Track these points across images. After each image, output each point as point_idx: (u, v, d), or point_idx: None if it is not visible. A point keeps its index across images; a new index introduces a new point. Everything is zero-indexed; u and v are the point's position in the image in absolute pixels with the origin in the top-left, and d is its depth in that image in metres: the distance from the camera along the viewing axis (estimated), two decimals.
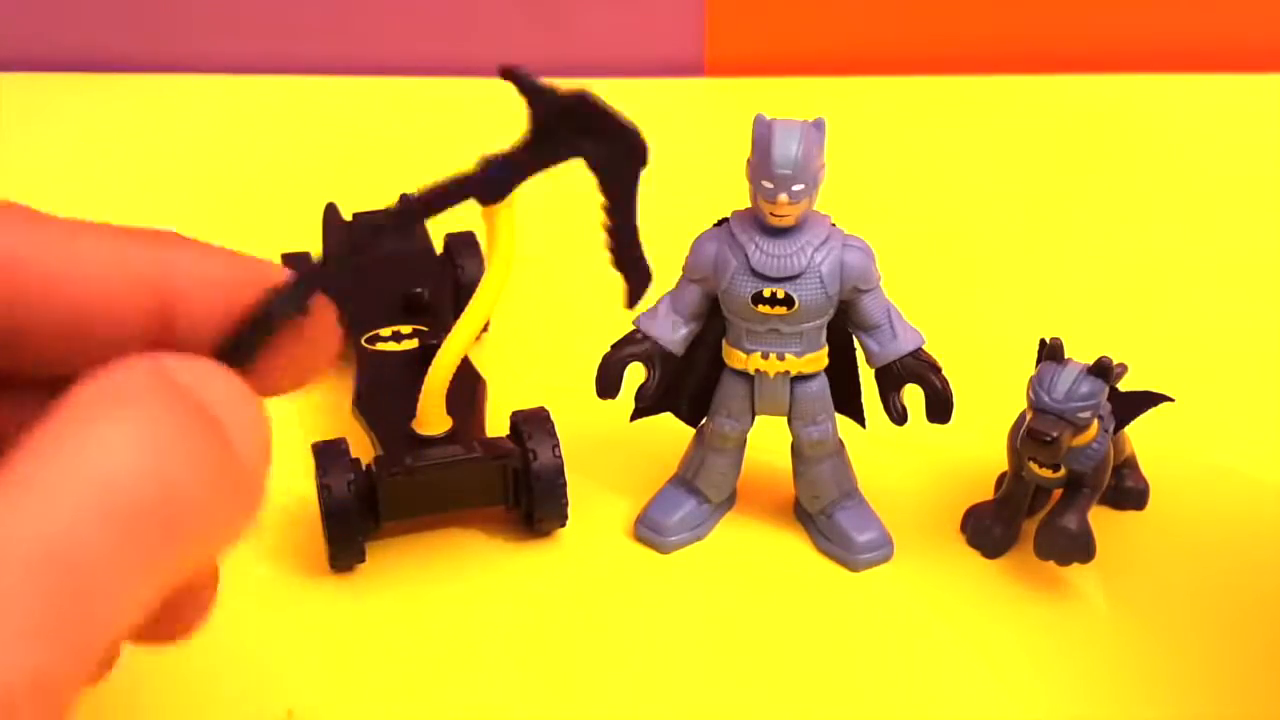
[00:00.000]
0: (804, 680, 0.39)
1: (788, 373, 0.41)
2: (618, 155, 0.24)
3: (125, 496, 0.19)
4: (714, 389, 0.42)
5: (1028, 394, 0.40)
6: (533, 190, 0.66)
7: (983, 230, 0.62)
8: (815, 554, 0.44)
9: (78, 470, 0.18)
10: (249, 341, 0.23)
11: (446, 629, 0.41)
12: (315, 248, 0.53)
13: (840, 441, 0.43)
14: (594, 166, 0.24)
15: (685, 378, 0.43)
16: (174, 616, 0.24)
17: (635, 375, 0.42)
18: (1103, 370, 0.39)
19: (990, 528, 0.43)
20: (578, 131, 0.24)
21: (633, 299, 0.26)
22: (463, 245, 0.54)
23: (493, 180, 0.24)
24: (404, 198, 0.25)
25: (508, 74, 0.24)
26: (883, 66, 0.75)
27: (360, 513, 0.41)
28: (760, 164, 0.38)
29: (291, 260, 0.52)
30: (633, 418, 0.43)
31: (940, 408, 0.41)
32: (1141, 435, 0.44)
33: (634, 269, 0.25)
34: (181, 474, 0.19)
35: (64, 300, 0.22)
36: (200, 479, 0.20)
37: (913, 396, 0.41)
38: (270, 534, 0.43)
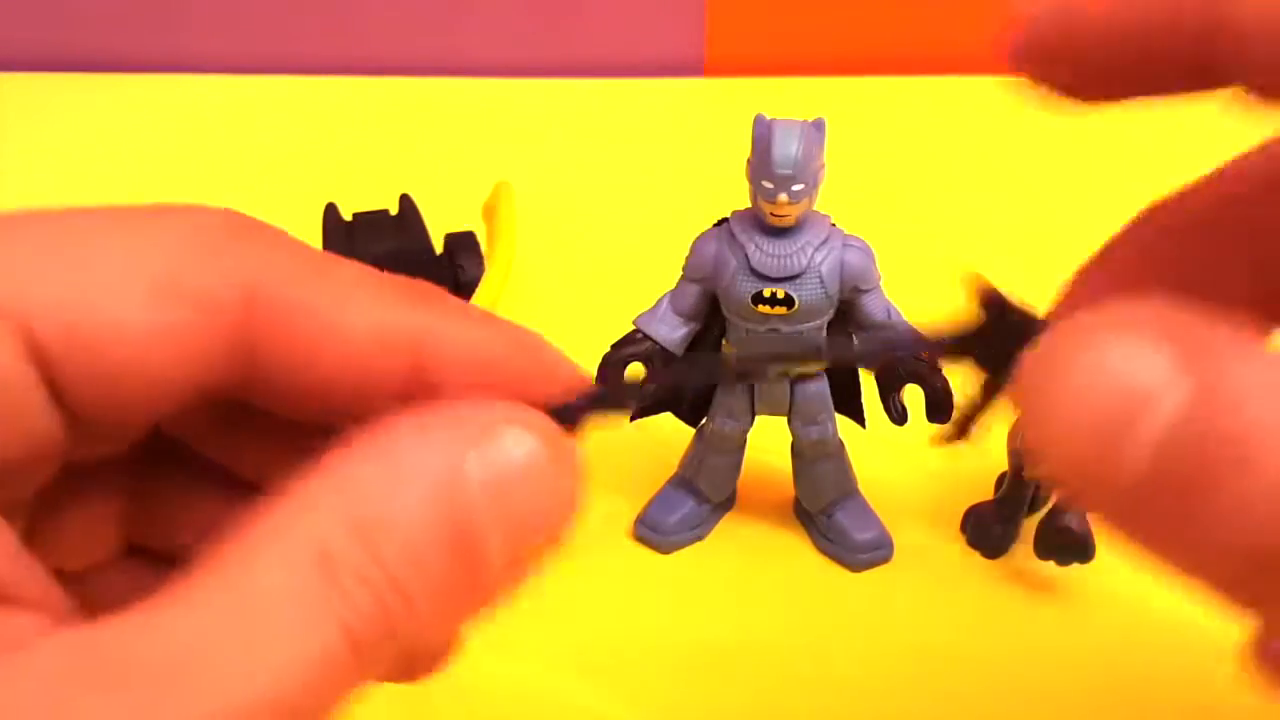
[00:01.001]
0: (804, 680, 0.39)
1: (788, 373, 0.41)
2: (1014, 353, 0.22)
3: (349, 640, 0.18)
4: (714, 389, 0.42)
5: None
6: (533, 190, 0.66)
7: (983, 230, 0.62)
8: (815, 554, 0.44)
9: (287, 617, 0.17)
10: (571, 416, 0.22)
11: None
12: (315, 248, 0.53)
13: (840, 441, 0.43)
14: (990, 371, 0.24)
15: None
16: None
17: (635, 375, 0.42)
18: None
19: (990, 528, 0.43)
20: (1003, 345, 0.23)
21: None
22: (463, 245, 0.54)
23: (931, 349, 0.23)
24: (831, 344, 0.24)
25: (983, 293, 0.23)
26: (883, 66, 0.75)
27: None
28: (760, 164, 0.38)
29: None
30: (633, 417, 0.43)
31: (940, 408, 0.41)
32: None
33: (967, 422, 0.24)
34: (414, 614, 0.18)
35: (327, 356, 0.20)
36: (431, 606, 0.19)
37: (913, 396, 0.41)
38: None
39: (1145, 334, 0.18)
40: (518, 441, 0.19)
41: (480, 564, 0.19)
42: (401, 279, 0.22)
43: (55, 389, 0.19)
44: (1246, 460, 0.17)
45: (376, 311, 0.21)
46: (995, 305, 0.23)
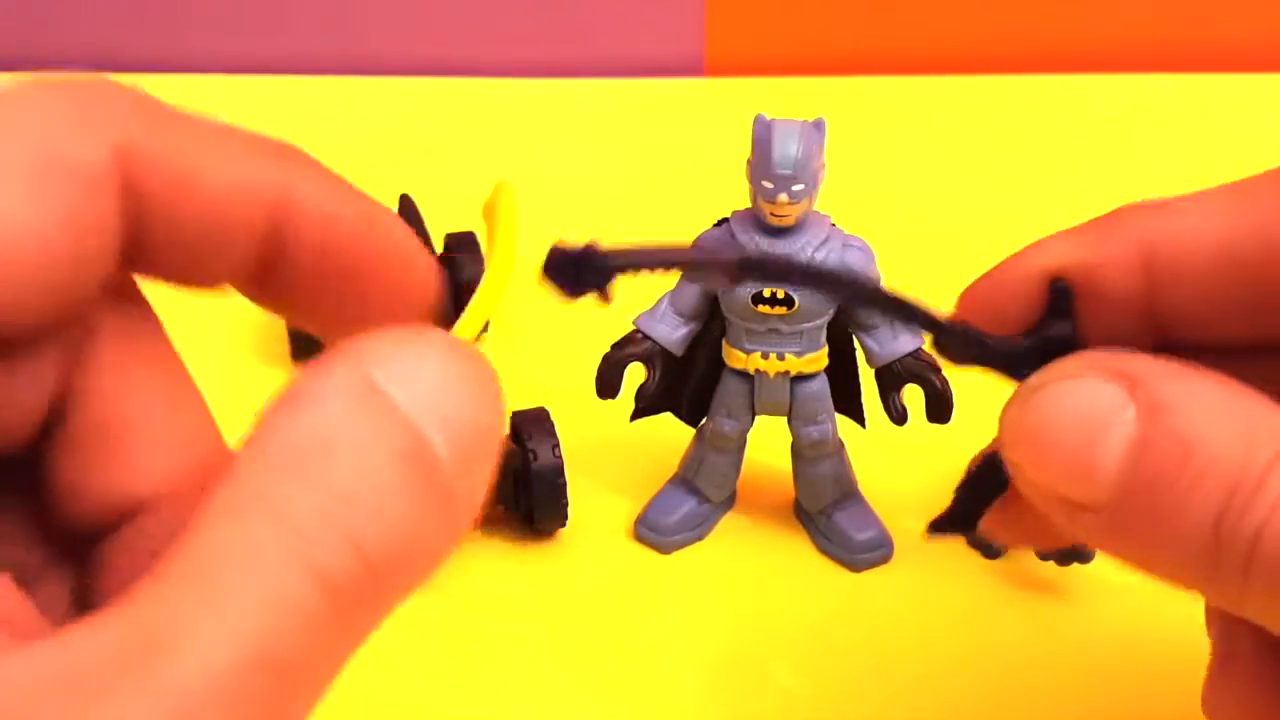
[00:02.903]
0: (804, 680, 0.39)
1: (788, 373, 0.41)
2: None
3: (323, 579, 0.17)
4: (714, 389, 0.42)
5: None
6: (532, 190, 0.66)
7: (983, 230, 0.62)
8: (815, 554, 0.44)
9: (271, 548, 0.17)
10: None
11: (446, 629, 0.41)
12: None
13: (840, 441, 0.43)
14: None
15: (685, 378, 0.43)
16: None
17: (635, 375, 0.42)
18: None
19: None
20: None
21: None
22: (463, 245, 0.54)
23: (958, 343, 0.24)
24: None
25: (1056, 287, 0.25)
26: (883, 66, 0.75)
27: None
28: (760, 164, 0.38)
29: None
30: (633, 418, 0.43)
31: (940, 408, 0.41)
32: None
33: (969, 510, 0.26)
34: (386, 539, 0.18)
35: (185, 209, 0.20)
36: (407, 532, 0.18)
37: (913, 396, 0.41)
38: None
39: (1098, 373, 0.22)
40: (418, 349, 0.19)
41: (434, 472, 0.18)
42: (270, 138, 0.22)
43: None
44: (1189, 455, 0.21)
45: (238, 161, 0.21)
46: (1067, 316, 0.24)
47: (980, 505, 0.25)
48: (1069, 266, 0.25)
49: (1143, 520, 0.22)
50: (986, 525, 0.27)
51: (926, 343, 0.25)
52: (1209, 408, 0.21)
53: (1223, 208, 0.24)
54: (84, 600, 0.21)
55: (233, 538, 0.17)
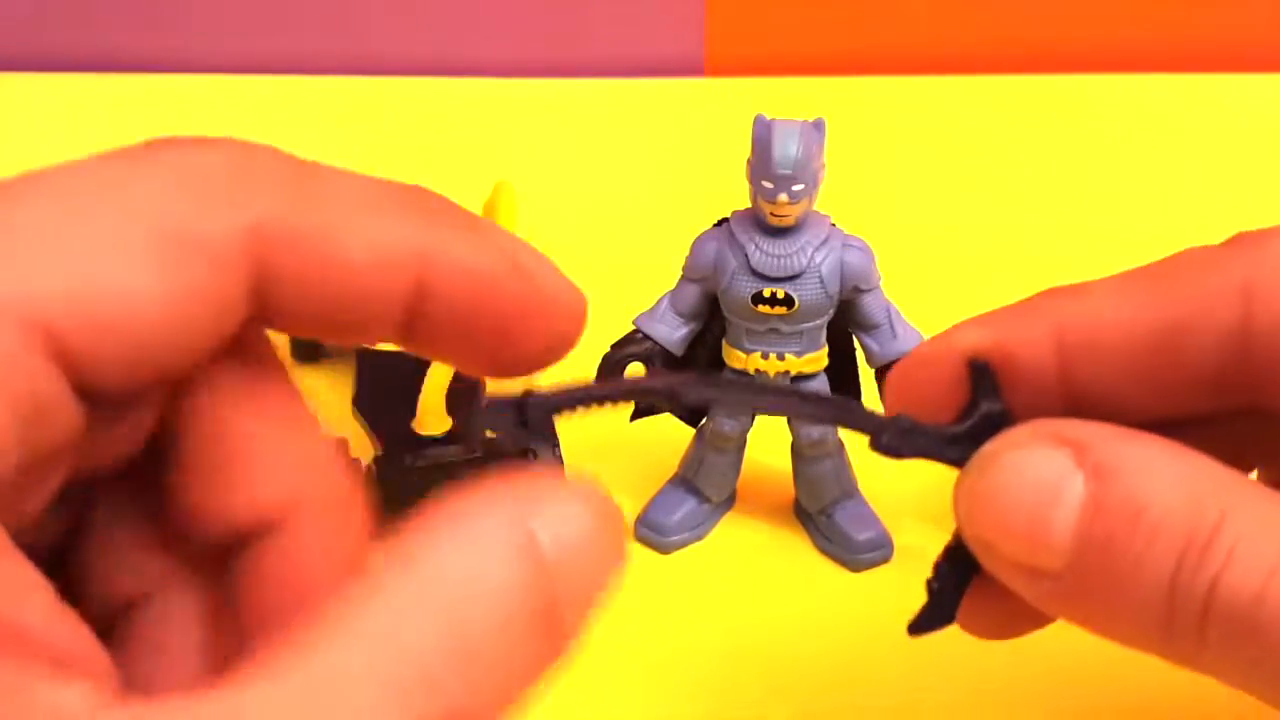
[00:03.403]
0: (804, 680, 0.39)
1: (788, 372, 0.41)
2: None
3: (417, 678, 0.17)
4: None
5: None
6: (532, 190, 0.66)
7: (983, 230, 0.62)
8: (815, 554, 0.44)
9: (382, 645, 0.17)
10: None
11: None
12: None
13: (840, 441, 0.43)
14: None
15: None
16: None
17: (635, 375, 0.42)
18: None
19: None
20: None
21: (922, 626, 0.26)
22: None
23: (894, 439, 0.24)
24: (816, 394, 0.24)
25: (975, 368, 0.25)
26: (883, 66, 0.75)
27: None
28: (760, 164, 0.38)
29: None
30: (633, 418, 0.43)
31: None
32: None
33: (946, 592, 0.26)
34: (490, 670, 0.18)
35: (331, 280, 0.20)
36: (510, 670, 0.18)
37: None
38: None
39: (1046, 441, 0.23)
40: (573, 506, 0.20)
41: (559, 628, 0.19)
42: (403, 186, 0.21)
43: (76, 376, 0.18)
44: (1139, 515, 0.21)
45: (377, 230, 0.20)
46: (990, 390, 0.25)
47: (956, 592, 0.26)
48: (986, 349, 0.25)
49: (1099, 584, 0.22)
50: (965, 620, 0.27)
51: (865, 443, 0.25)
52: (1155, 468, 0.22)
53: (1132, 293, 0.25)
54: (214, 611, 0.21)
55: (356, 662, 0.17)
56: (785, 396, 0.25)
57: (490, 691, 0.18)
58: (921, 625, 0.26)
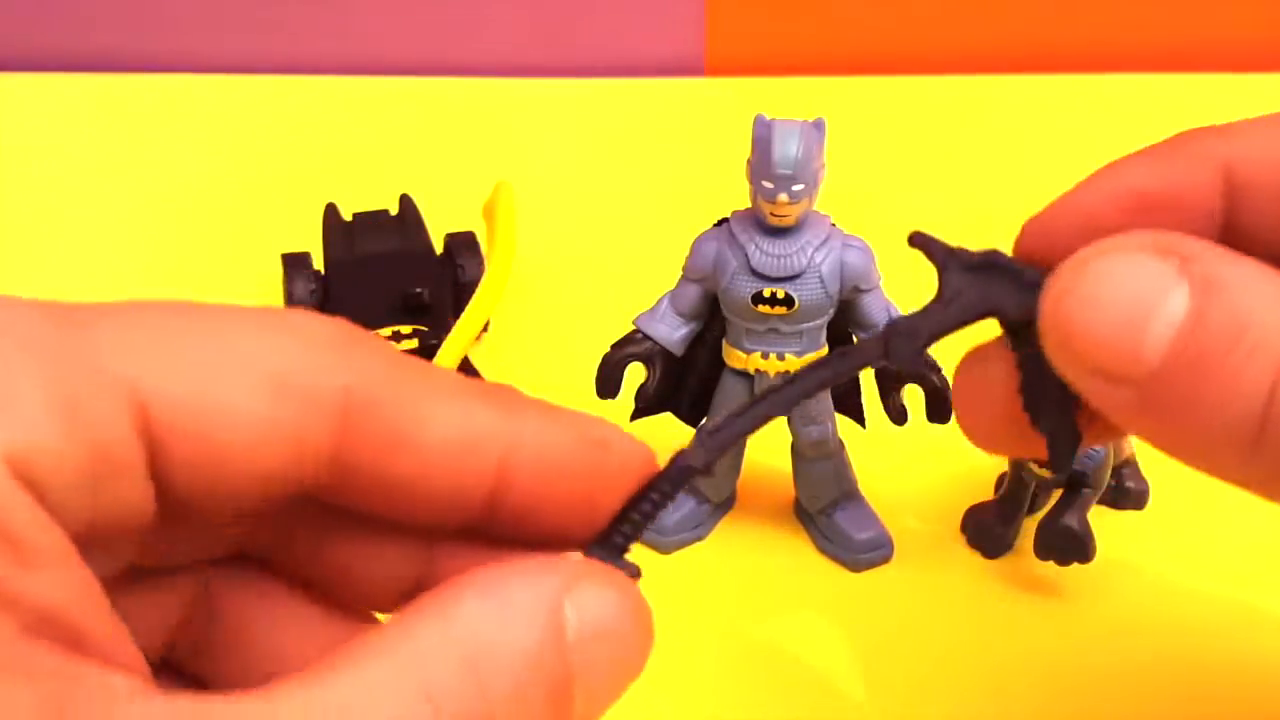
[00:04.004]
0: (804, 680, 0.39)
1: (787, 373, 0.41)
2: (1030, 312, 0.23)
3: None
4: (714, 389, 0.42)
5: None
6: (533, 190, 0.66)
7: (982, 230, 0.62)
8: (815, 554, 0.44)
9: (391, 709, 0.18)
10: (625, 532, 0.22)
11: None
12: (315, 248, 0.53)
13: (840, 441, 0.43)
14: (1007, 324, 0.24)
15: (685, 378, 0.43)
16: None
17: (635, 375, 0.42)
18: None
19: (990, 528, 0.43)
20: (989, 289, 0.24)
21: (1059, 466, 0.25)
22: (463, 245, 0.54)
23: (901, 344, 0.24)
24: (803, 374, 0.24)
25: (916, 241, 0.24)
26: (883, 66, 0.75)
27: None
28: (760, 164, 0.38)
29: (292, 260, 0.52)
30: (633, 418, 0.43)
31: (940, 407, 0.41)
32: None
33: (1060, 432, 0.25)
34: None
35: (416, 456, 0.21)
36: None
37: (913, 396, 0.41)
38: None
39: (1149, 250, 0.22)
40: (607, 592, 0.20)
41: (568, 706, 0.20)
42: (483, 383, 0.22)
43: (158, 465, 0.19)
44: (1243, 331, 0.21)
45: (463, 413, 0.21)
46: (941, 252, 0.24)
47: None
48: (1154, 190, 0.25)
49: (1185, 396, 0.21)
50: (970, 416, 0.26)
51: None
52: (1262, 289, 0.21)
53: None
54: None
55: (379, 689, 0.18)
56: (795, 384, 0.24)
57: None
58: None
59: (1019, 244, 0.26)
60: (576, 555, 0.22)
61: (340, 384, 0.20)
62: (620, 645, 0.21)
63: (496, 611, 0.19)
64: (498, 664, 0.19)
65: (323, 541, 0.23)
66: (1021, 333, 0.24)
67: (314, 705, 0.18)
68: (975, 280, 0.24)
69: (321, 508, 0.22)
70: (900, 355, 0.24)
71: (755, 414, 0.24)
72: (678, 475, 0.23)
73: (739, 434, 0.24)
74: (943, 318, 0.24)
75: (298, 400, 0.20)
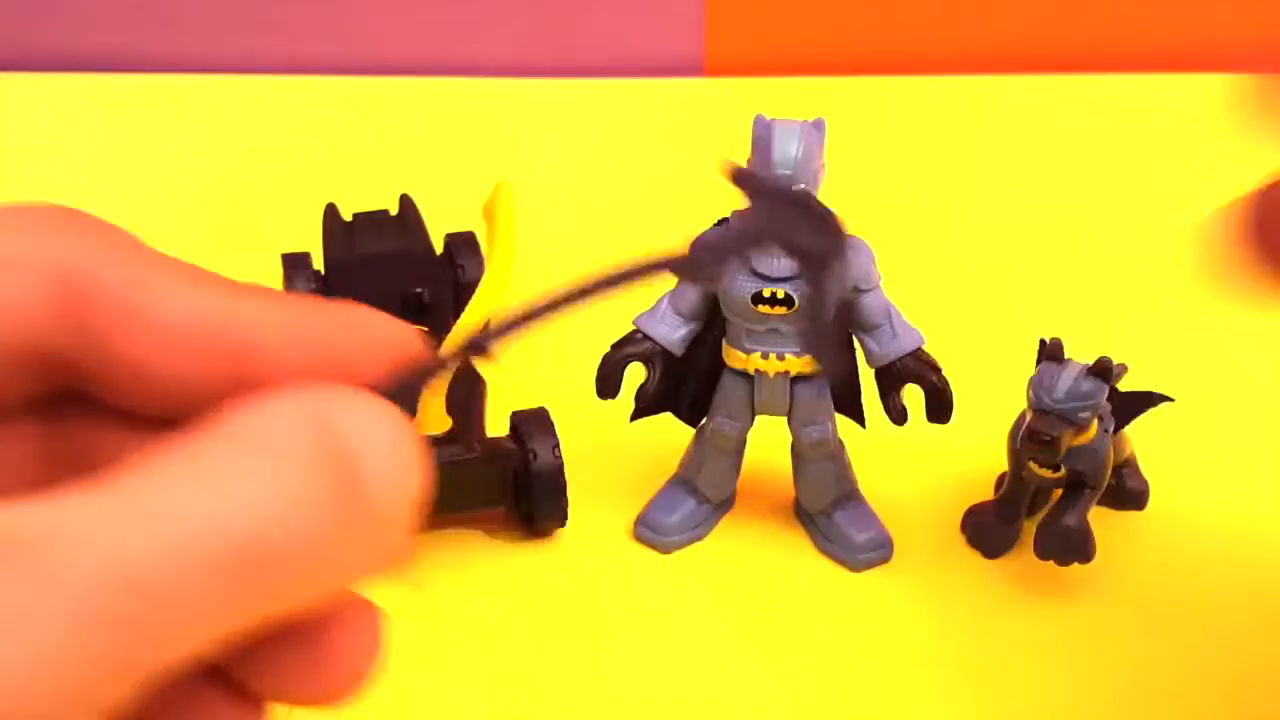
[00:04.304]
0: (804, 680, 0.39)
1: (787, 373, 0.41)
2: (823, 249, 0.25)
3: (221, 541, 0.18)
4: (714, 389, 0.42)
5: (1028, 394, 0.40)
6: (533, 190, 0.66)
7: (982, 230, 0.62)
8: (815, 554, 0.44)
9: (180, 505, 0.18)
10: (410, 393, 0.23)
11: (446, 629, 0.41)
12: (315, 248, 0.53)
13: (840, 441, 0.43)
14: (796, 252, 0.26)
15: (685, 378, 0.43)
16: (307, 668, 0.22)
17: (635, 375, 0.42)
18: (1103, 370, 0.39)
19: (990, 528, 0.43)
20: (789, 221, 0.25)
21: (829, 372, 0.27)
22: (463, 245, 0.54)
23: (698, 260, 0.25)
24: (597, 282, 0.25)
25: (730, 173, 0.25)
26: (883, 66, 0.75)
27: None
28: (760, 164, 0.38)
29: (292, 260, 0.52)
30: (633, 418, 0.43)
31: (940, 408, 0.41)
32: (1141, 435, 0.44)
33: (829, 357, 0.26)
34: (293, 527, 0.19)
35: (147, 341, 0.21)
36: (315, 533, 0.19)
37: (913, 396, 0.41)
38: None
39: None
40: (366, 397, 0.21)
41: (355, 480, 0.20)
42: (222, 276, 0.22)
43: None
44: None
45: (196, 298, 0.21)
46: (755, 186, 0.25)
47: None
48: None
49: None
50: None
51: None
52: None
53: None
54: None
55: (175, 468, 0.18)
56: (581, 286, 0.25)
57: (284, 532, 0.19)
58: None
59: (1249, 230, 0.27)
60: None
61: (62, 259, 0.20)
62: (393, 441, 0.21)
63: (263, 410, 0.19)
64: (271, 443, 0.19)
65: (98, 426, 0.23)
66: (810, 264, 0.25)
67: (93, 505, 0.18)
68: (778, 212, 0.25)
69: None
70: (698, 267, 0.24)
71: (552, 304, 0.24)
72: (465, 349, 0.23)
73: (529, 322, 0.24)
74: (743, 238, 0.25)
75: (13, 272, 0.20)
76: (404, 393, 0.23)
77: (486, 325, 0.24)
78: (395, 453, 0.21)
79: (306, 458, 0.19)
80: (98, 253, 0.21)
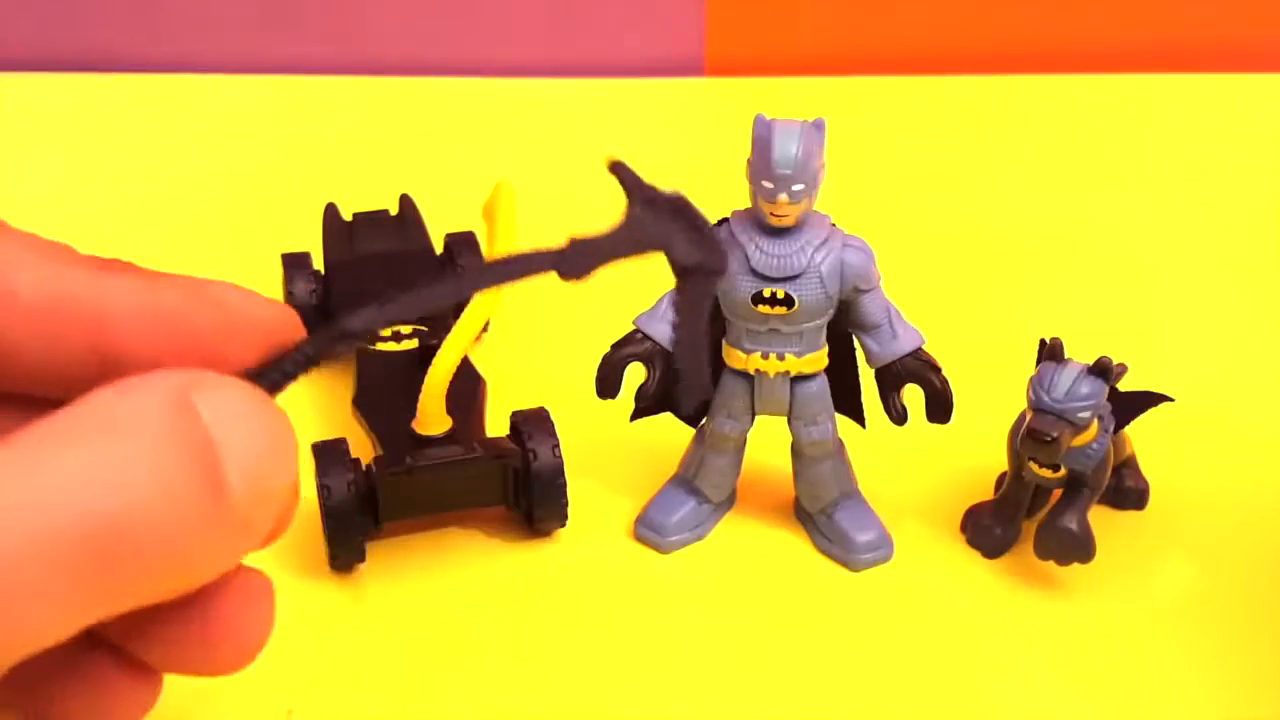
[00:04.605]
0: (804, 680, 0.39)
1: (787, 373, 0.41)
2: (699, 262, 0.25)
3: (68, 527, 0.18)
4: (714, 389, 0.42)
5: (1028, 394, 0.40)
6: (532, 190, 0.66)
7: (982, 230, 0.62)
8: (815, 554, 0.44)
9: (25, 490, 0.18)
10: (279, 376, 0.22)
11: (447, 629, 0.41)
12: (315, 248, 0.53)
13: (840, 441, 0.43)
14: (674, 264, 0.26)
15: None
16: (194, 641, 0.22)
17: (635, 375, 0.42)
18: (1103, 370, 0.39)
19: (990, 528, 0.43)
20: (666, 229, 0.25)
21: (685, 407, 0.26)
22: (463, 245, 0.54)
23: (575, 260, 0.25)
24: (481, 269, 0.25)
25: (613, 168, 0.26)
26: (883, 66, 0.75)
27: (360, 513, 0.41)
28: (760, 164, 0.38)
29: (292, 260, 0.52)
30: (633, 418, 0.43)
31: (940, 408, 0.41)
32: (1141, 435, 0.44)
33: (692, 375, 0.26)
34: (147, 513, 0.19)
35: (2, 318, 0.21)
36: (171, 519, 0.19)
37: (913, 396, 0.41)
38: None
39: None
40: (230, 383, 0.20)
41: (217, 469, 0.19)
42: (81, 253, 0.22)
43: None
44: None
45: (53, 274, 0.21)
46: (632, 183, 0.26)
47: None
48: None
49: None
50: None
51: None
52: None
53: None
54: None
55: (40, 457, 0.18)
56: (480, 274, 0.25)
57: (135, 517, 0.19)
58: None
59: None
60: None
61: None
62: (257, 425, 0.20)
63: (123, 395, 0.19)
64: (126, 428, 0.19)
65: None
66: (685, 276, 0.26)
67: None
68: (658, 218, 0.25)
69: None
70: (571, 269, 0.25)
71: (427, 295, 0.24)
72: (336, 334, 0.23)
73: (403, 311, 0.24)
74: (618, 242, 0.25)
75: None
76: (275, 375, 0.22)
77: (364, 312, 0.23)
78: (257, 437, 0.20)
79: (163, 443, 0.19)
80: None
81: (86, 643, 0.23)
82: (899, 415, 0.41)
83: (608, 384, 0.41)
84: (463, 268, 0.53)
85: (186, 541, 0.19)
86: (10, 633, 0.18)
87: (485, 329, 0.51)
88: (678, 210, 0.25)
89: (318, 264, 0.52)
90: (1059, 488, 0.42)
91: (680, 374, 0.26)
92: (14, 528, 0.18)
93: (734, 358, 0.41)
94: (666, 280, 0.42)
